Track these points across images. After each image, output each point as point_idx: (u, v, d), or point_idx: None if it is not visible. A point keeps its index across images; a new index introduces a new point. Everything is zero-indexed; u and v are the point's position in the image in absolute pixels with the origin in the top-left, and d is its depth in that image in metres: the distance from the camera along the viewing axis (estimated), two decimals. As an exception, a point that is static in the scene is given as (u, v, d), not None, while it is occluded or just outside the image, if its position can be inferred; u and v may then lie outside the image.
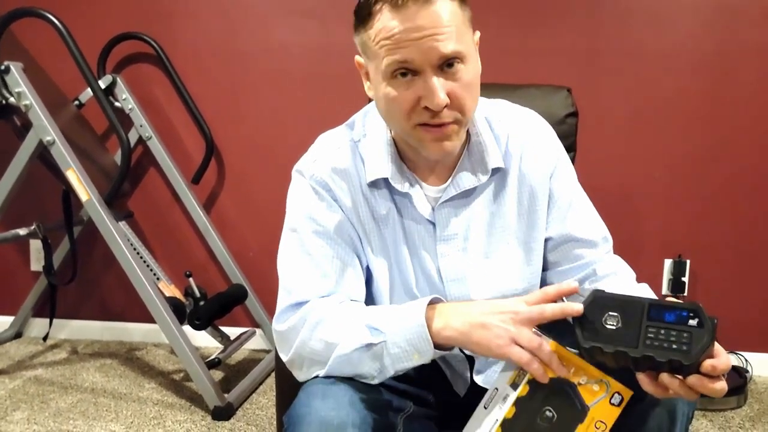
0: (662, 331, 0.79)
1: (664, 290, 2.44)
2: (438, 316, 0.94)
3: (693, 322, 0.79)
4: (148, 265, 2.40)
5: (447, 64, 0.94)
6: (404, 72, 0.94)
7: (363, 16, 0.96)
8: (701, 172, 2.39)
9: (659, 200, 2.43)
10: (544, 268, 1.16)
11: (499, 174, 1.11)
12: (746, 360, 2.34)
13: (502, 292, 1.11)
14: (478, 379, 1.16)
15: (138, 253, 2.36)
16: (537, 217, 1.12)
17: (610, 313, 0.82)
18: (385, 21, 0.93)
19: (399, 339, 0.94)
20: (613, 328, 0.81)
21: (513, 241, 1.12)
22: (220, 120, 2.55)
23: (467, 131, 1.07)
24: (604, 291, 0.86)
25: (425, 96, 0.94)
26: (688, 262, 2.42)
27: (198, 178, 2.54)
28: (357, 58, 1.05)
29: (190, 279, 2.30)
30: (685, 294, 2.42)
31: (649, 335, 0.79)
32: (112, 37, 2.49)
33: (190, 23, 2.52)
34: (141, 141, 2.54)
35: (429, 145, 0.99)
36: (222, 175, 2.63)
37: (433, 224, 1.09)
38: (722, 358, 0.80)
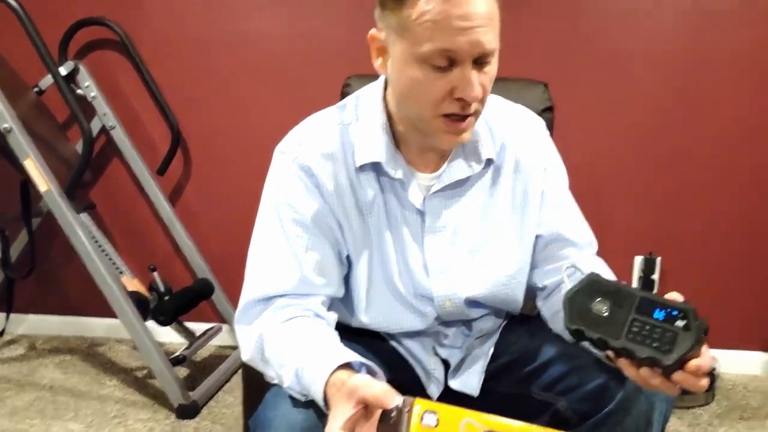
0: (647, 327, 0.78)
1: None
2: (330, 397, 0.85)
3: (680, 323, 0.78)
4: (110, 259, 2.32)
5: (482, 59, 0.92)
6: (442, 62, 0.90)
7: None
8: (673, 169, 2.40)
9: (631, 197, 2.43)
10: (531, 267, 1.14)
11: (493, 168, 1.08)
12: (714, 357, 2.35)
13: (488, 287, 1.09)
14: (453, 384, 1.13)
15: (100, 246, 2.28)
16: (529, 213, 1.10)
17: (601, 298, 0.81)
18: (434, 1, 0.88)
19: (317, 397, 0.87)
20: (601, 314, 0.80)
21: (504, 235, 1.10)
22: (187, 110, 2.48)
23: None
24: (599, 275, 0.84)
25: (462, 87, 0.91)
26: (658, 259, 2.43)
27: (163, 170, 2.47)
28: (373, 31, 0.98)
29: (155, 273, 2.24)
30: (655, 292, 2.43)
31: (634, 328, 0.78)
32: (75, 21, 2.40)
33: (156, 10, 2.44)
34: (104, 130, 2.45)
35: (445, 137, 0.98)
36: (188, 167, 2.56)
37: (423, 214, 1.06)
38: (706, 358, 0.80)
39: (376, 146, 1.03)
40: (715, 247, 2.42)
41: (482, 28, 0.89)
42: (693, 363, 0.78)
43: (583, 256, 1.11)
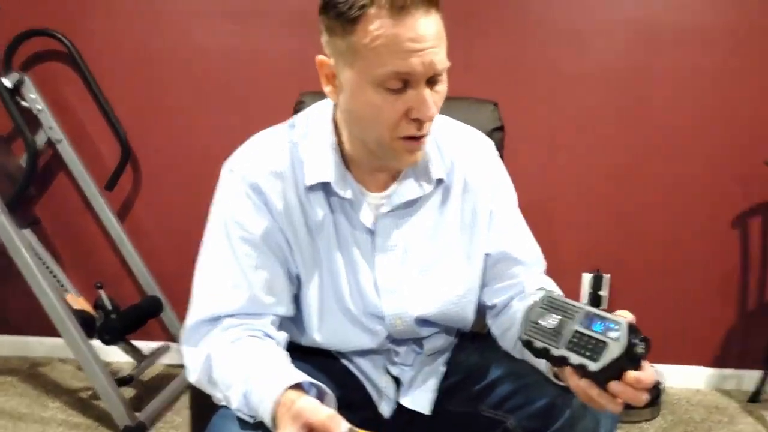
0: (585, 337, 0.83)
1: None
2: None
3: (613, 335, 0.82)
4: (54, 276, 2.25)
5: (434, 79, 0.93)
6: (397, 84, 0.90)
7: (349, 17, 0.89)
8: (618, 187, 2.46)
9: (579, 215, 2.48)
10: (481, 285, 1.14)
11: (443, 188, 1.09)
12: (660, 372, 2.41)
13: (438, 306, 1.09)
14: (405, 401, 1.13)
15: (44, 263, 2.21)
16: (478, 232, 1.11)
17: (553, 313, 0.87)
18: (385, 26, 0.87)
19: (265, 417, 0.87)
20: (549, 326, 0.87)
21: (454, 255, 1.10)
22: (137, 123, 2.44)
23: None
24: (557, 294, 0.91)
25: (417, 108, 0.92)
26: (606, 276, 2.48)
27: (112, 184, 2.41)
28: (321, 57, 0.97)
29: (101, 291, 2.18)
30: (604, 307, 2.48)
31: (573, 338, 0.84)
32: (21, 32, 2.34)
33: (106, 21, 2.40)
34: (50, 144, 2.39)
35: (404, 157, 0.98)
36: (138, 182, 2.51)
37: (373, 234, 1.06)
38: (647, 372, 0.82)
39: (325, 166, 1.02)
40: (661, 264, 2.49)
41: (434, 48, 0.90)
42: (632, 375, 0.80)
43: (531, 275, 1.13)
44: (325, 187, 1.03)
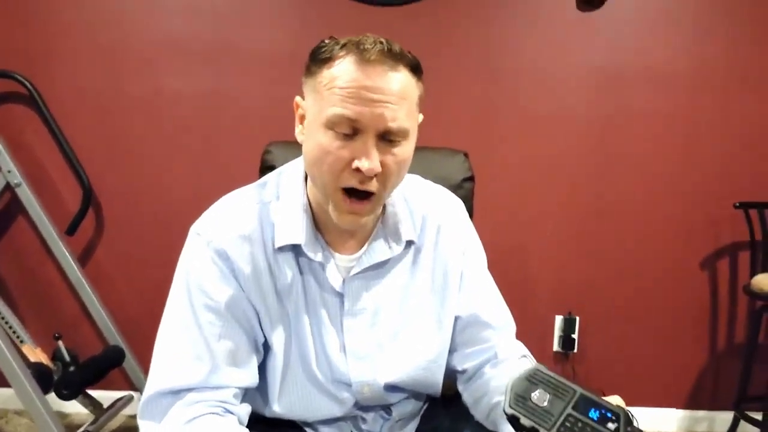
0: (579, 424, 0.79)
1: (555, 347, 2.47)
2: None
3: (611, 426, 0.78)
4: (9, 326, 2.17)
5: (389, 137, 0.90)
6: (347, 133, 0.89)
7: (322, 58, 0.91)
8: (589, 230, 2.46)
9: (550, 258, 2.47)
10: (450, 350, 1.11)
11: (413, 250, 1.07)
12: (632, 414, 2.38)
13: (408, 372, 1.06)
14: None
15: (-1, 313, 2.13)
16: (449, 295, 1.09)
17: (542, 389, 0.83)
18: (346, 69, 0.88)
19: None
20: (539, 404, 0.82)
21: (424, 318, 1.08)
22: (100, 167, 2.38)
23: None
24: (545, 366, 0.87)
25: (360, 158, 0.89)
26: (577, 318, 2.47)
27: (73, 229, 2.34)
28: (297, 99, 0.98)
29: (59, 342, 2.10)
30: (575, 350, 2.46)
31: (567, 423, 0.80)
32: (-21, 74, 2.28)
33: (69, 63, 2.35)
34: (9, 187, 2.31)
35: (342, 216, 0.94)
36: (100, 227, 2.44)
37: (342, 296, 1.03)
38: None
39: (295, 228, 0.99)
40: (631, 305, 2.48)
41: (390, 105, 0.88)
42: None
43: (502, 339, 1.10)
44: (294, 248, 1.00)
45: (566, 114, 2.40)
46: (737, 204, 2.32)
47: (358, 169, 0.89)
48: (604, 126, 2.41)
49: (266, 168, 1.45)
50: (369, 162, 0.88)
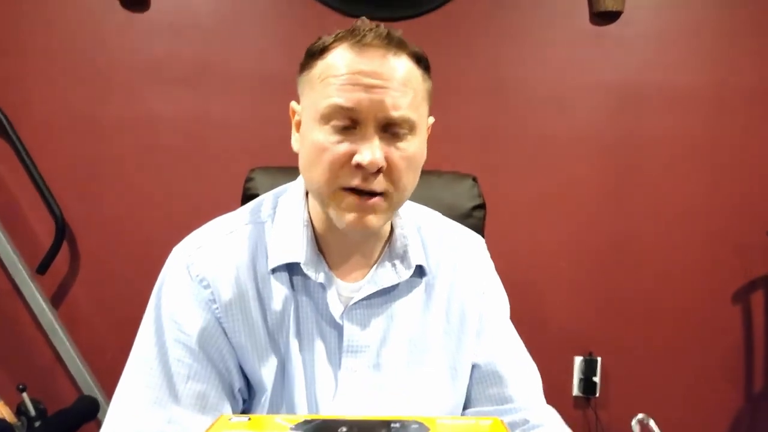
0: None
1: (575, 391, 2.25)
2: None
3: None
4: (-29, 376, 1.96)
5: (392, 129, 0.80)
6: (345, 125, 0.79)
7: (315, 52, 0.83)
8: (609, 261, 2.26)
9: (568, 293, 2.27)
10: (466, 405, 0.96)
11: (424, 285, 0.93)
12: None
13: None
14: None
15: (-41, 362, 1.93)
16: (465, 340, 0.94)
17: None
18: (341, 56, 0.80)
19: None
20: None
21: (437, 364, 0.92)
22: (75, 199, 2.20)
23: (391, 225, 0.93)
24: None
25: (360, 151, 0.78)
26: (599, 359, 2.25)
27: (45, 267, 2.15)
28: (292, 104, 0.90)
29: (24, 394, 1.90)
30: (597, 395, 2.24)
31: None
32: (-55, 100, 2.11)
33: (41, 90, 2.17)
34: (-25, 222, 2.14)
35: (348, 217, 0.82)
36: (75, 264, 2.24)
37: (341, 329, 0.87)
38: None
39: (294, 245, 0.87)
40: (657, 344, 2.28)
41: (391, 91, 0.78)
42: None
43: (529, 400, 0.94)
44: (290, 271, 0.88)
45: (580, 137, 2.22)
46: (771, 231, 2.13)
47: (359, 165, 0.78)
48: (621, 149, 2.23)
49: (248, 196, 1.31)
50: (370, 153, 0.77)
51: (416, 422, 0.59)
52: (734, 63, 2.19)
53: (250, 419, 0.61)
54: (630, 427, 2.08)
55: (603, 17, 2.17)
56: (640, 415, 0.91)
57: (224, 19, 2.16)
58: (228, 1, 2.16)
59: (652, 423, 0.90)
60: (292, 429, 0.58)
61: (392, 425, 0.60)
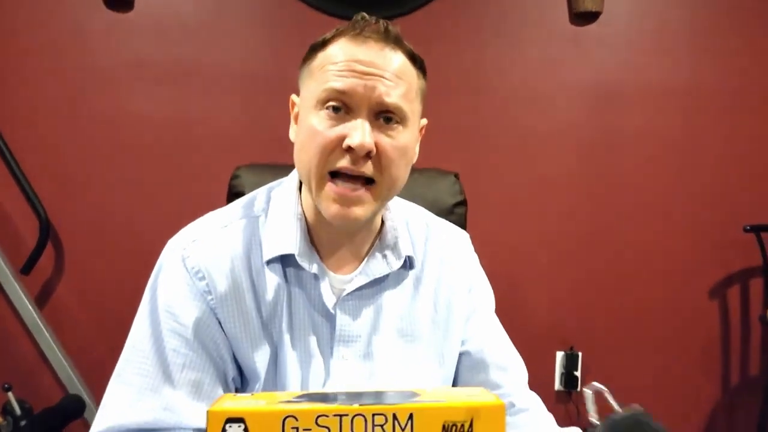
0: None
1: (557, 385, 2.29)
2: None
3: None
4: (-44, 376, 1.96)
5: (385, 118, 0.84)
6: (337, 106, 0.83)
7: (317, 46, 0.88)
8: (589, 257, 2.30)
9: (548, 289, 2.31)
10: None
11: (413, 277, 0.97)
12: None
13: None
14: None
15: (-57, 362, 1.92)
16: (452, 329, 0.98)
17: None
18: (339, 47, 0.85)
19: None
20: None
21: (425, 350, 0.96)
22: (59, 198, 2.20)
23: (382, 219, 0.96)
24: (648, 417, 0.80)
25: (350, 134, 0.81)
26: (580, 354, 2.29)
27: (29, 267, 2.15)
28: (292, 97, 0.94)
29: (10, 393, 1.90)
30: (578, 389, 2.28)
31: None
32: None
33: (26, 87, 2.18)
34: (-42, 223, 2.13)
35: (332, 206, 0.84)
36: (60, 264, 2.24)
37: (333, 319, 0.90)
38: None
39: (288, 237, 0.90)
40: (636, 338, 2.32)
41: (385, 80, 0.83)
42: None
43: (516, 386, 0.99)
44: (284, 262, 0.90)
45: (559, 134, 2.26)
46: (748, 227, 2.17)
47: (349, 148, 0.81)
48: (600, 146, 2.27)
49: (234, 194, 1.32)
50: (360, 136, 0.81)
51: (409, 391, 0.65)
52: (709, 62, 2.24)
53: (252, 395, 0.65)
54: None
55: (582, 18, 2.21)
56: (596, 384, 0.94)
57: (208, 19, 2.17)
58: (212, 1, 2.18)
59: (607, 394, 0.94)
60: (295, 398, 0.62)
61: (387, 393, 0.65)
